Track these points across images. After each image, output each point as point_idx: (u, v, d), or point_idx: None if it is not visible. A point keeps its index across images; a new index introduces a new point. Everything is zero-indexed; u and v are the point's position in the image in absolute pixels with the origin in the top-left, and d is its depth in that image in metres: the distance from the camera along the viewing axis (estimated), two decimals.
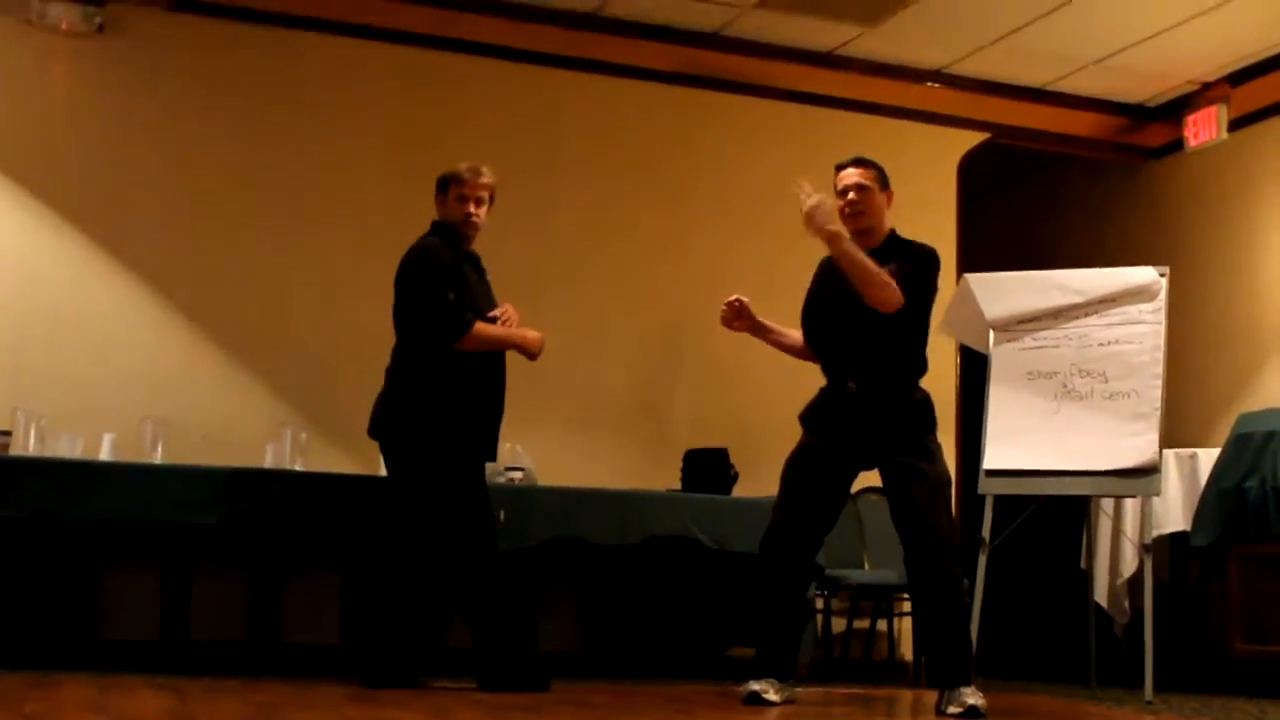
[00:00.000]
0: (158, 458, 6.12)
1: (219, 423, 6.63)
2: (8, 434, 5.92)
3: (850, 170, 5.14)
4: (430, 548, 5.32)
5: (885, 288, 4.93)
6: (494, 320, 5.50)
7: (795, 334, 5.34)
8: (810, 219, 4.93)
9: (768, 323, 5.34)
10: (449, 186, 5.53)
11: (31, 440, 5.97)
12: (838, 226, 4.97)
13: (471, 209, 5.50)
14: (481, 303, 5.48)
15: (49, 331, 6.58)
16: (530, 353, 5.51)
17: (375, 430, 5.47)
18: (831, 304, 5.13)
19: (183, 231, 6.85)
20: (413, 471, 5.34)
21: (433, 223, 5.58)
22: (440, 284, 5.33)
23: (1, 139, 6.64)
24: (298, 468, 6.25)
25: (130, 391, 6.57)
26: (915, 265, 5.07)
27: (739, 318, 5.26)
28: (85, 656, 6.03)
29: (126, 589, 6.45)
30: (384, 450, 5.50)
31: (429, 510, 5.31)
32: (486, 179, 5.53)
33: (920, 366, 5.12)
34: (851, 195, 5.10)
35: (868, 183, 5.10)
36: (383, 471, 5.78)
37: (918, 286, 5.04)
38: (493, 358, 5.48)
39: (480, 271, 5.59)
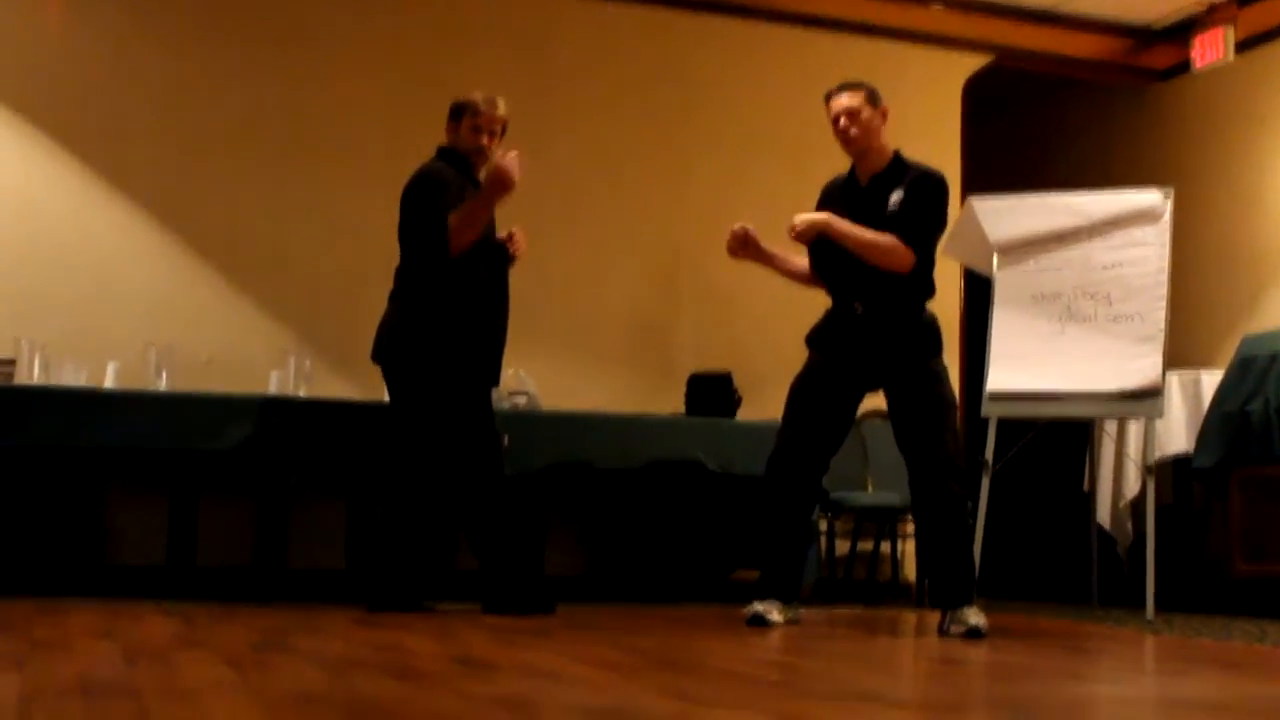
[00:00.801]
0: (162, 385, 6.13)
1: (223, 349, 6.65)
2: (11, 363, 5.93)
3: (838, 97, 5.10)
4: (435, 472, 5.34)
5: (891, 253, 4.97)
6: (503, 245, 5.50)
7: (800, 260, 5.32)
8: (799, 236, 5.00)
9: (772, 249, 5.32)
10: (463, 115, 5.51)
11: (36, 369, 5.98)
12: (817, 217, 5.00)
13: (484, 140, 5.49)
14: (484, 231, 5.45)
15: (50, 260, 6.57)
16: (504, 182, 5.23)
17: (378, 354, 5.47)
18: None
19: (182, 159, 6.82)
20: (418, 395, 5.35)
21: (440, 148, 5.56)
22: (443, 205, 5.31)
23: None
24: (302, 394, 6.26)
25: (133, 319, 6.58)
26: (923, 198, 5.05)
27: (744, 246, 5.24)
28: (93, 582, 6.07)
29: (133, 515, 6.48)
30: (387, 375, 5.50)
31: (434, 434, 5.32)
32: (501, 111, 5.52)
33: (927, 289, 5.11)
34: (843, 121, 5.07)
35: (856, 104, 5.06)
36: (386, 397, 5.80)
37: (926, 218, 5.03)
38: (496, 283, 5.47)
39: None
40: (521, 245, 5.58)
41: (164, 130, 6.82)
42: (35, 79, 6.66)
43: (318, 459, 6.06)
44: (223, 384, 6.22)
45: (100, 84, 6.76)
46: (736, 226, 5.22)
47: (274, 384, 6.31)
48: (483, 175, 5.46)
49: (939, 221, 5.12)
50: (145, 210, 6.75)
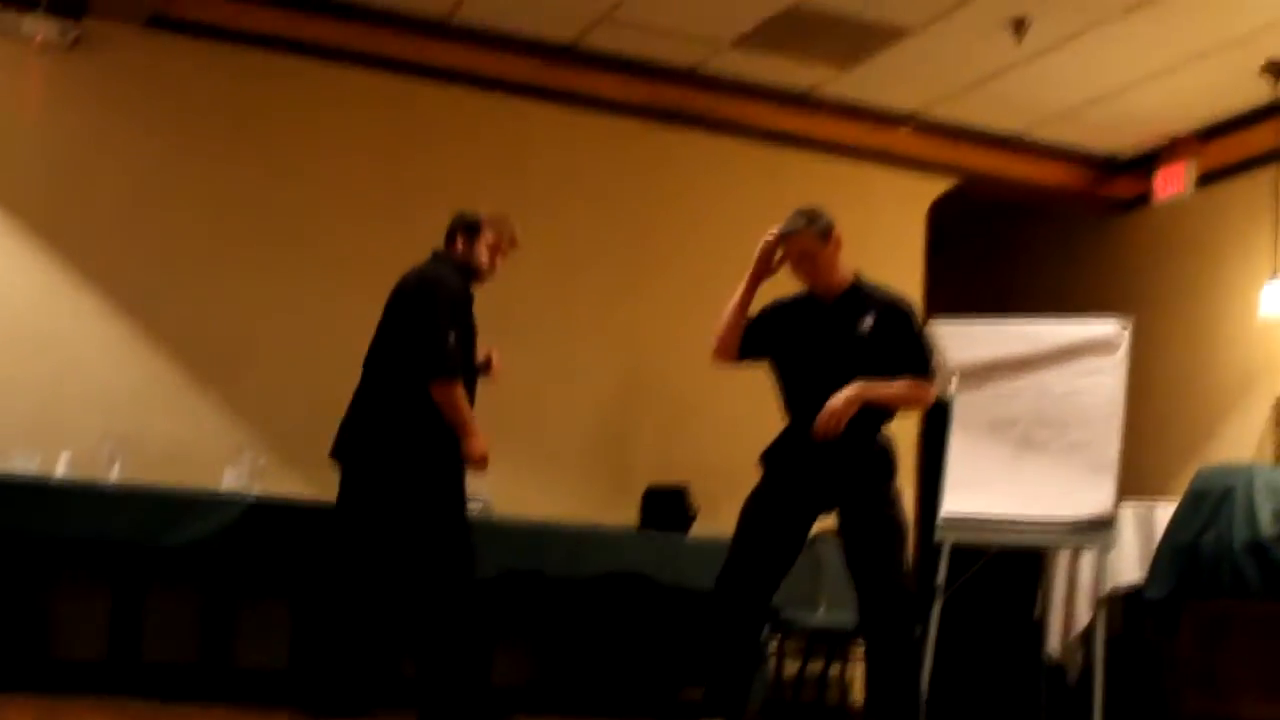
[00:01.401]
0: (114, 477, 6.08)
1: (178, 443, 6.60)
2: None
3: (790, 240, 5.07)
4: (389, 576, 5.29)
5: (918, 393, 5.04)
6: (487, 364, 5.63)
7: (740, 302, 5.24)
8: (828, 430, 4.91)
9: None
10: (483, 231, 5.57)
11: None
12: (848, 399, 4.90)
13: (498, 261, 5.59)
14: (474, 350, 5.52)
15: (10, 345, 6.53)
16: (469, 456, 5.34)
17: (342, 452, 5.42)
18: (800, 345, 5.11)
19: (149, 251, 6.82)
20: (397, 496, 5.30)
21: (444, 256, 5.57)
22: (448, 322, 5.33)
23: None
24: (255, 491, 6.21)
25: (90, 409, 6.53)
26: (913, 330, 5.07)
27: (769, 260, 5.13)
28: (34, 677, 5.97)
29: (78, 608, 6.39)
30: (353, 472, 5.41)
31: (404, 539, 5.27)
32: (515, 235, 5.64)
33: (884, 414, 5.12)
34: (802, 267, 5.08)
35: (809, 247, 5.05)
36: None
37: (926, 349, 5.07)
38: (469, 390, 5.46)
39: None
40: (498, 367, 5.63)
41: (133, 220, 6.82)
42: (6, 163, 6.66)
43: (266, 558, 6.00)
44: (177, 477, 6.17)
45: (71, 171, 6.76)
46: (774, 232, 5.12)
47: (227, 479, 6.26)
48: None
49: (929, 343, 5.15)
50: (110, 299, 6.73)
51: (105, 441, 6.14)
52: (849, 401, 4.90)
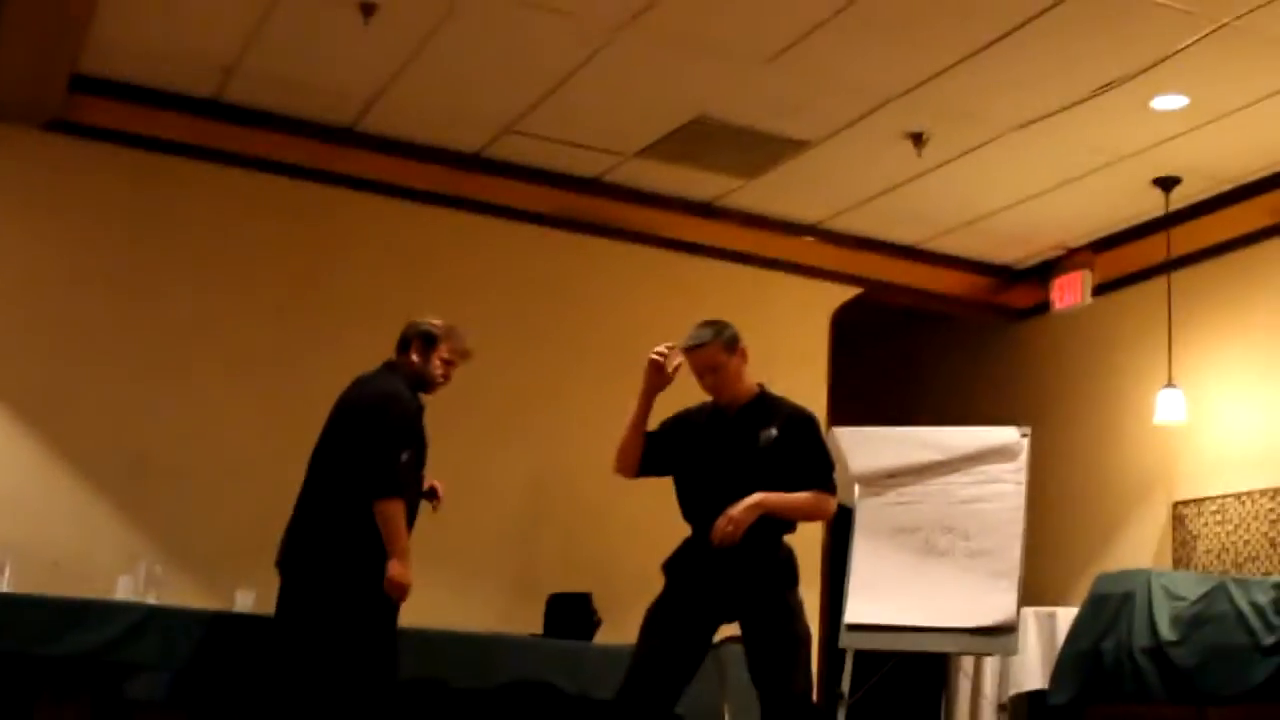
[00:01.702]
0: (4, 584, 5.92)
1: (71, 551, 6.47)
2: None
3: (695, 354, 5.09)
4: (316, 688, 5.19)
5: (820, 506, 5.03)
6: (432, 492, 5.67)
7: (637, 427, 5.22)
8: (724, 537, 4.90)
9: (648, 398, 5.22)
10: (438, 343, 5.55)
11: None
12: (748, 507, 4.88)
13: (450, 373, 5.59)
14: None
15: None
16: (391, 579, 5.25)
17: (285, 562, 5.36)
18: (702, 456, 5.12)
19: (47, 354, 6.72)
20: (334, 612, 5.22)
21: (396, 366, 5.55)
22: (401, 440, 5.32)
23: None
24: (150, 600, 6.07)
25: None
26: (814, 442, 5.10)
27: (661, 372, 5.07)
28: None
29: None
30: (290, 583, 5.35)
31: (339, 654, 5.19)
32: (468, 348, 5.63)
33: (786, 524, 5.12)
34: (707, 379, 5.10)
35: (716, 360, 5.07)
36: (236, 607, 5.68)
37: (827, 462, 5.09)
38: (411, 511, 5.42)
39: None
40: (442, 499, 5.70)
41: (31, 323, 6.72)
42: None
43: (161, 669, 5.84)
44: (68, 588, 6.02)
45: None
46: (667, 345, 5.07)
47: (121, 589, 6.12)
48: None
49: (830, 459, 5.17)
50: (3, 402, 6.61)
51: None
52: (748, 509, 4.90)
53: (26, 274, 6.78)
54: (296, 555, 5.35)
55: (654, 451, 5.19)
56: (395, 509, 5.26)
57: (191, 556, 6.62)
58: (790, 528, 5.14)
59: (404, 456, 5.30)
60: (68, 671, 5.82)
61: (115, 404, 6.78)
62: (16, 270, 6.77)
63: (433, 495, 5.69)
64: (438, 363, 5.55)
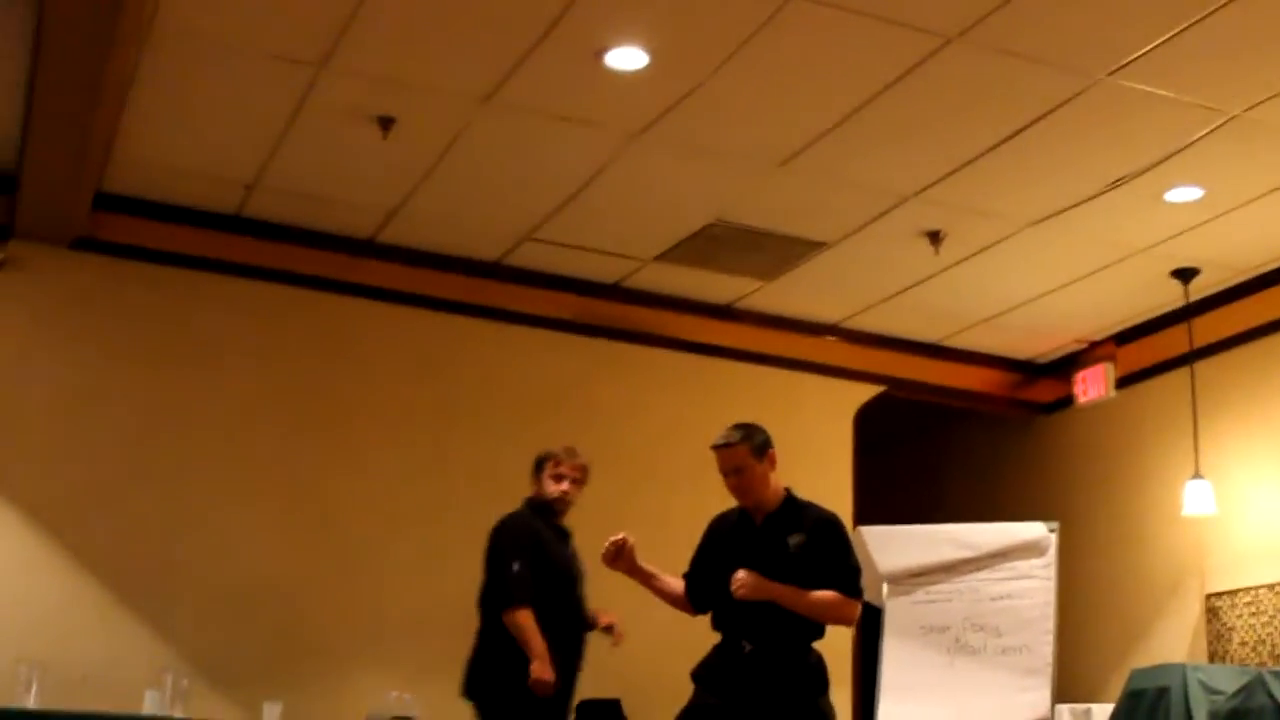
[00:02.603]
0: (31, 702, 5.91)
1: (98, 665, 6.46)
2: None
3: (723, 453, 5.12)
4: None
5: (841, 608, 4.98)
6: (609, 628, 6.04)
7: (673, 582, 5.29)
8: (746, 596, 4.93)
9: (648, 567, 5.29)
10: (545, 464, 5.87)
11: None
12: (765, 588, 4.93)
13: (566, 487, 5.85)
14: (566, 570, 5.81)
15: None
16: (533, 677, 5.52)
17: (470, 691, 5.70)
18: (731, 563, 5.09)
19: (73, 468, 6.75)
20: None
21: (526, 498, 5.89)
22: (511, 554, 5.64)
23: None
24: (178, 715, 6.05)
25: (5, 631, 6.38)
26: (839, 546, 5.08)
27: (619, 557, 5.19)
28: None
29: None
30: (480, 710, 5.69)
31: None
32: (580, 460, 5.92)
33: (816, 629, 5.08)
34: (731, 480, 5.11)
35: (742, 463, 5.08)
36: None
37: (851, 565, 5.06)
38: (575, 621, 5.81)
39: (565, 542, 5.90)
40: (620, 635, 6.03)
41: (57, 437, 6.76)
42: None
43: None
44: (96, 702, 6.01)
45: None
46: (616, 536, 5.19)
47: (149, 703, 6.11)
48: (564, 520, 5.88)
49: (857, 563, 5.14)
50: (26, 516, 6.63)
51: (20, 665, 5.99)
52: (756, 589, 4.89)
53: (53, 389, 6.83)
54: (472, 681, 5.73)
55: (699, 588, 5.19)
56: (521, 617, 5.57)
57: (219, 670, 6.61)
58: (819, 633, 5.09)
59: (515, 567, 5.61)
60: None
61: (141, 518, 6.80)
62: (44, 386, 6.83)
63: (609, 629, 6.03)
64: (550, 481, 5.83)
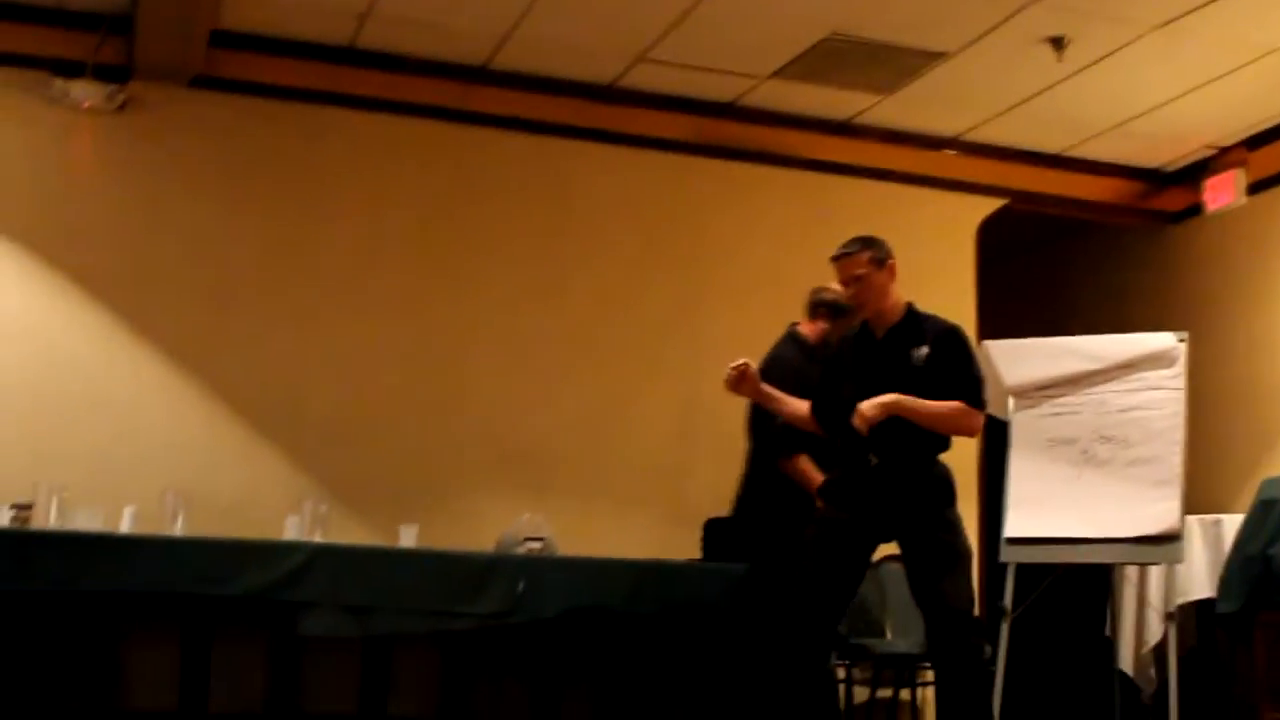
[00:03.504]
0: (178, 530, 6.12)
1: (240, 495, 6.66)
2: (28, 507, 5.93)
3: (842, 263, 5.11)
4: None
5: (963, 418, 4.99)
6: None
7: (798, 404, 5.32)
8: (870, 423, 4.93)
9: (771, 390, 5.32)
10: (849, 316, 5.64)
11: (52, 514, 5.98)
12: (878, 404, 4.93)
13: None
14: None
15: (72, 404, 6.61)
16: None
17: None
18: (855, 380, 5.10)
19: (204, 305, 6.90)
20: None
21: (794, 333, 5.95)
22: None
23: (25, 216, 6.71)
24: (317, 539, 6.23)
25: (151, 464, 6.59)
26: (962, 357, 5.07)
27: (742, 381, 5.23)
28: None
29: (146, 660, 6.42)
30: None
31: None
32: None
33: (941, 442, 5.09)
34: (850, 290, 5.10)
35: (860, 271, 5.06)
36: (401, 542, 5.82)
37: (974, 376, 5.05)
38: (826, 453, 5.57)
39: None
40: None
41: (187, 274, 6.89)
42: (61, 222, 6.76)
43: (333, 605, 5.98)
44: (239, 529, 6.20)
45: (126, 228, 6.85)
46: (737, 361, 5.22)
47: (289, 529, 6.29)
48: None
49: (980, 374, 5.13)
50: (166, 356, 6.80)
51: (167, 495, 6.18)
52: (877, 405, 4.90)
53: (179, 228, 6.95)
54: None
55: (824, 407, 5.21)
56: (795, 465, 5.63)
57: (354, 496, 6.78)
58: (945, 445, 5.11)
59: (777, 422, 5.52)
60: (242, 610, 6.00)
61: (272, 351, 6.94)
62: (170, 226, 6.94)
63: None
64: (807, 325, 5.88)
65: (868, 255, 5.07)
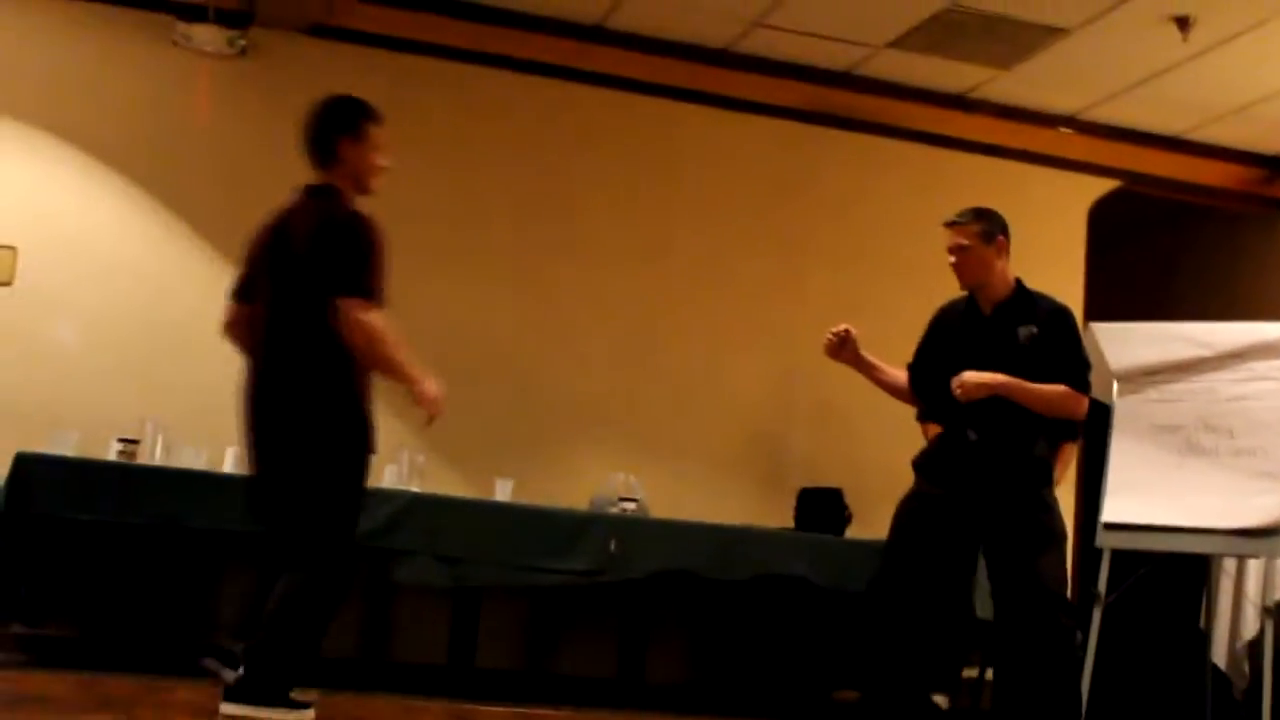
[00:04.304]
0: None
1: None
2: (135, 443, 6.06)
3: (951, 230, 5.07)
4: None
5: (1067, 401, 4.94)
6: None
7: (897, 373, 5.28)
8: (969, 396, 4.91)
9: (871, 358, 5.28)
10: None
11: (158, 450, 6.11)
12: (987, 383, 4.91)
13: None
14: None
15: (179, 344, 6.72)
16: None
17: None
18: (958, 354, 5.06)
19: None
20: None
21: None
22: None
23: (142, 155, 6.82)
24: (414, 489, 6.31)
25: None
26: (1071, 339, 5.02)
27: (843, 347, 5.20)
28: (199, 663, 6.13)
29: (244, 598, 6.55)
30: None
31: None
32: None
33: (1043, 422, 5.04)
34: (952, 258, 5.06)
35: (966, 241, 5.02)
36: (496, 495, 5.88)
37: (1082, 359, 5.01)
38: None
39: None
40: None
41: None
42: (176, 167, 6.87)
43: (427, 554, 6.04)
44: None
45: (240, 175, 6.92)
46: (839, 327, 5.20)
47: (387, 478, 6.37)
48: None
49: (1087, 357, 5.08)
50: None
51: None
52: (982, 381, 4.86)
53: (291, 176, 6.97)
54: None
55: (923, 379, 5.19)
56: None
57: (452, 448, 6.84)
58: (1045, 426, 5.05)
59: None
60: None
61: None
62: (282, 172, 6.95)
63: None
64: None
65: (977, 227, 5.03)
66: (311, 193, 4.82)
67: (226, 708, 4.27)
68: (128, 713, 4.13)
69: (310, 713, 4.45)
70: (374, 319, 4.54)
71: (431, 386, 4.75)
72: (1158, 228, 9.26)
